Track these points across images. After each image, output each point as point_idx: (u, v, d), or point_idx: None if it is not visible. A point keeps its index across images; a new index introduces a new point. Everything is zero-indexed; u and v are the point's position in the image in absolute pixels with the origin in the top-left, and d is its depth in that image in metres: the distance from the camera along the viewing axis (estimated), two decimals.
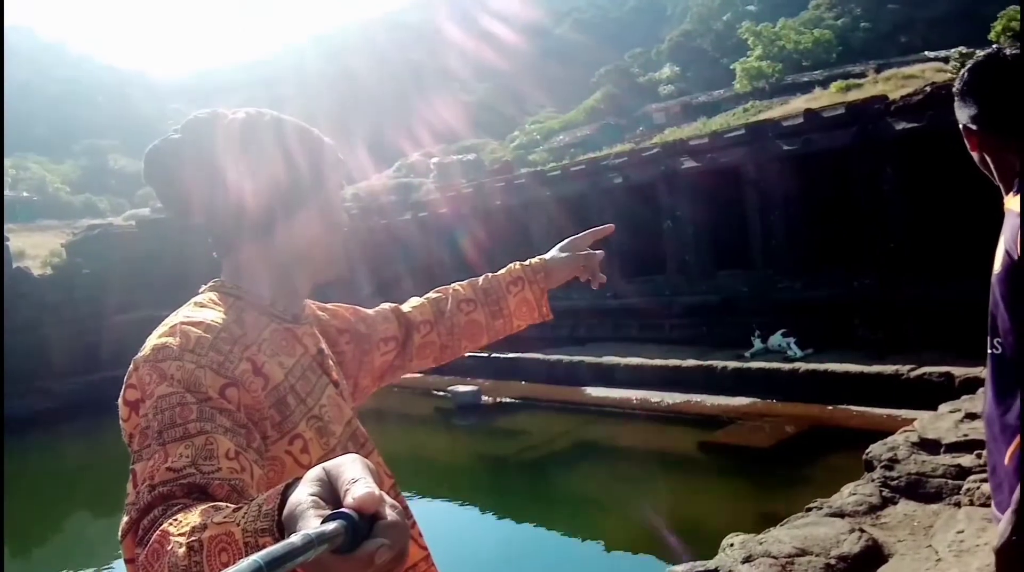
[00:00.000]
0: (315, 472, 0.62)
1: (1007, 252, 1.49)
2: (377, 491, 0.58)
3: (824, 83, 26.33)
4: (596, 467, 8.51)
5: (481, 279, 1.51)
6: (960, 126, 1.62)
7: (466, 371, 12.19)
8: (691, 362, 9.92)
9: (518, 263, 1.52)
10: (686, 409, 9.32)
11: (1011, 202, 1.53)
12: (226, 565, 0.66)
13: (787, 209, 10.47)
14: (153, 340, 0.97)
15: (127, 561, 0.84)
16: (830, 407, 8.20)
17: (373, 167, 48.47)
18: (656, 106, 44.34)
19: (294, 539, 0.53)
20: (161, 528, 0.76)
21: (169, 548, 0.72)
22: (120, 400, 0.94)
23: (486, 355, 12.12)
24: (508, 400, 11.08)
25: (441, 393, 11.63)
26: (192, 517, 0.74)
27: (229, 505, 0.74)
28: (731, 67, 38.52)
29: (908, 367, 8.05)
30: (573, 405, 10.28)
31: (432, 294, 1.49)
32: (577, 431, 9.54)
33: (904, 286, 9.10)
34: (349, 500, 0.57)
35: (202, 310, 1.03)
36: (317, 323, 1.23)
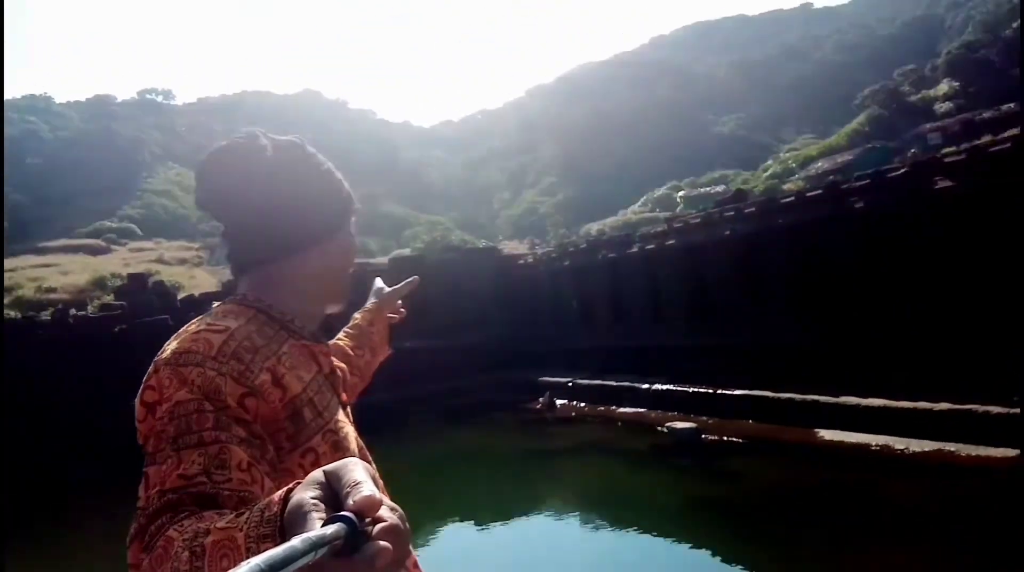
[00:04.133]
0: (316, 475, 0.63)
1: None
2: (378, 494, 0.59)
3: None
4: (823, 519, 7.62)
5: (347, 329, 1.64)
6: None
7: (690, 408, 11.69)
8: (944, 405, 8.65)
9: (361, 310, 1.70)
10: (937, 458, 8.14)
11: None
12: (227, 570, 0.67)
13: None
14: (174, 344, 0.98)
15: (131, 566, 0.85)
16: None
17: (621, 203, 48.94)
18: (931, 126, 40.31)
19: (295, 542, 0.53)
20: (166, 534, 0.78)
21: (173, 553, 0.74)
22: (137, 401, 0.95)
23: (711, 391, 11.53)
24: (731, 439, 10.39)
25: (661, 429, 11.21)
26: (197, 523, 0.76)
27: (234, 512, 0.75)
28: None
29: None
30: (803, 448, 9.39)
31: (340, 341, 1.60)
32: (803, 477, 8.66)
33: None
34: (350, 503, 0.58)
35: (224, 319, 1.04)
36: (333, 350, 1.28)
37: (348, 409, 1.21)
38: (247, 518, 0.68)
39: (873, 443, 8.90)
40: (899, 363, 9.86)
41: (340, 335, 1.61)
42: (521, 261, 20.49)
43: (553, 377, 15.81)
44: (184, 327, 1.03)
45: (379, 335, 1.66)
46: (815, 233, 11.62)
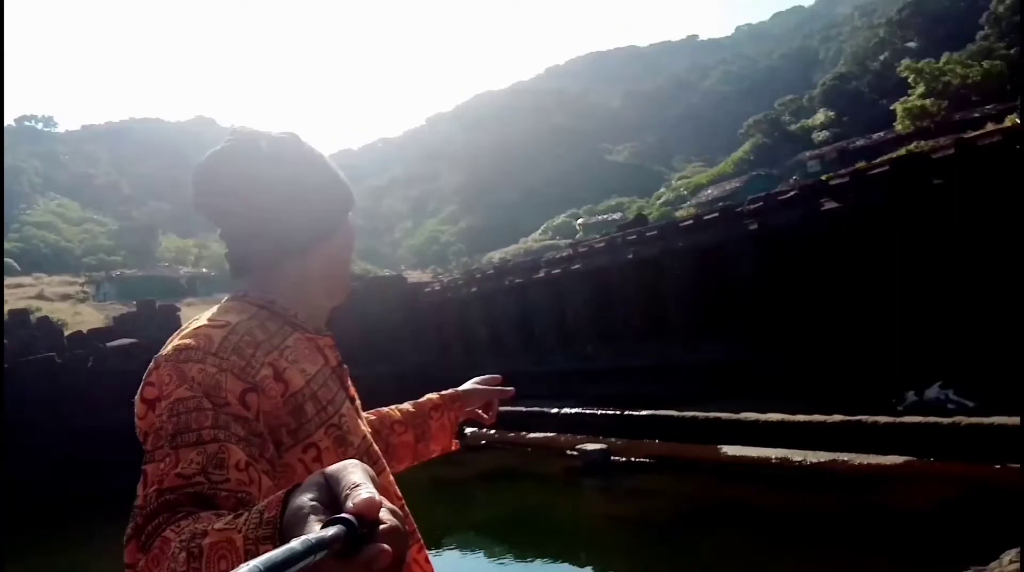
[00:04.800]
0: (315, 477, 0.63)
1: None
2: (377, 496, 0.59)
3: (998, 117, 24.49)
4: (730, 531, 7.88)
5: (406, 404, 1.57)
6: None
7: (598, 430, 11.87)
8: (836, 417, 9.12)
9: (435, 393, 1.61)
10: (832, 469, 8.55)
11: None
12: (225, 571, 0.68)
13: (941, 250, 9.54)
14: (176, 340, 0.98)
15: (127, 566, 0.84)
16: (998, 466, 7.24)
17: (522, 231, 49.54)
18: (810, 154, 42.79)
19: (294, 544, 0.53)
20: (163, 535, 0.77)
21: (170, 554, 0.74)
22: (138, 397, 0.94)
23: (619, 413, 11.76)
24: (640, 459, 10.61)
25: (571, 452, 11.34)
26: (194, 524, 0.75)
27: (232, 513, 0.74)
28: (891, 108, 36.64)
29: None
30: (708, 464, 9.68)
31: (367, 415, 1.48)
32: (711, 492, 8.94)
33: None
34: (349, 505, 0.58)
35: (226, 314, 1.04)
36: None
37: (358, 403, 1.21)
38: (246, 520, 0.68)
39: (773, 456, 9.26)
40: (798, 377, 10.34)
41: (394, 406, 1.55)
42: (428, 289, 20.42)
43: None
44: (187, 323, 1.03)
45: (439, 424, 1.56)
46: (713, 254, 12.12)
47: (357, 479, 0.60)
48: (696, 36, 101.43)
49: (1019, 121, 16.02)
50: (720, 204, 30.94)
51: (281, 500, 0.65)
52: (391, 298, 19.70)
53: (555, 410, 13.15)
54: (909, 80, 35.29)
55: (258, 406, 0.94)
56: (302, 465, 0.99)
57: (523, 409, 13.98)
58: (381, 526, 0.57)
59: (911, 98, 34.24)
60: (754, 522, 7.86)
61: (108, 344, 15.61)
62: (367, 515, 0.57)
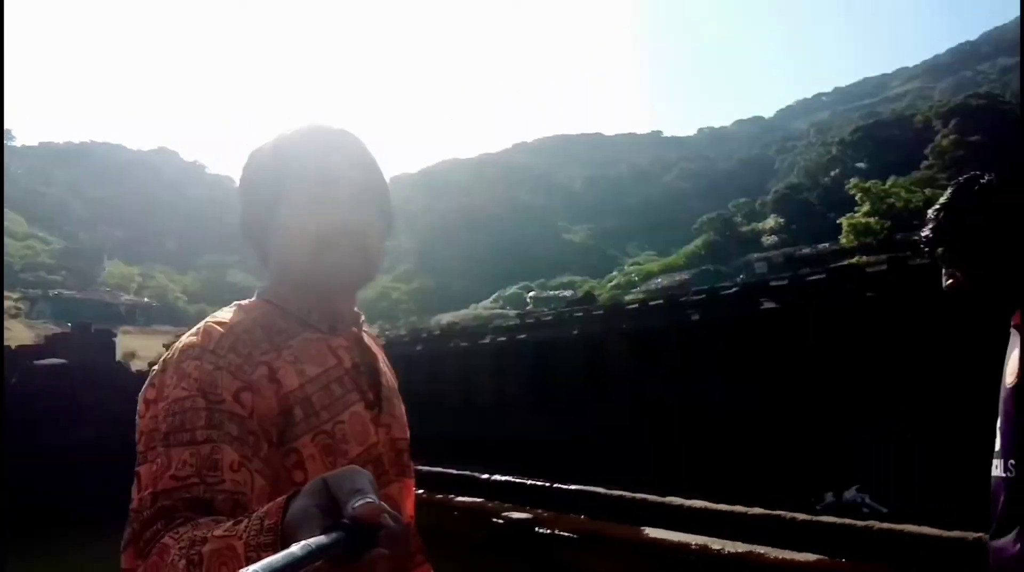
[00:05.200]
0: (315, 483, 0.63)
1: None
2: (377, 502, 0.58)
3: None
4: None
5: None
6: None
7: (527, 499, 11.89)
8: (756, 510, 9.34)
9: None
10: (748, 559, 8.73)
11: None
12: None
13: (862, 356, 10.02)
14: (183, 339, 0.99)
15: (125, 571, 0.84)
16: None
17: (473, 297, 49.80)
18: (758, 256, 44.14)
19: (294, 549, 0.53)
20: (162, 541, 0.77)
21: (169, 561, 0.74)
22: (140, 396, 0.96)
23: (548, 485, 11.81)
24: (564, 533, 10.64)
25: (497, 520, 11.31)
26: (193, 531, 0.75)
27: (230, 519, 0.74)
28: (837, 222, 38.17)
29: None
30: (630, 544, 9.77)
31: None
32: None
33: None
34: (349, 511, 0.58)
35: (231, 312, 1.05)
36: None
37: (385, 406, 1.13)
38: (246, 527, 0.68)
39: (693, 543, 9.39)
40: (725, 468, 10.59)
41: None
42: None
43: None
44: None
45: None
46: (654, 339, 12.46)
47: (357, 485, 0.60)
48: (660, 132, 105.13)
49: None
50: (668, 293, 31.72)
51: (282, 506, 0.65)
52: None
53: (486, 476, 13.12)
54: (856, 198, 36.96)
55: (253, 405, 0.94)
56: (284, 471, 0.97)
57: (455, 472, 13.90)
58: (381, 531, 0.57)
59: (857, 214, 35.83)
60: None
61: (36, 362, 15.16)
62: (367, 521, 0.57)
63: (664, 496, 10.43)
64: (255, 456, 0.91)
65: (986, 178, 1.64)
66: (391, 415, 1.14)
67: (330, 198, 1.07)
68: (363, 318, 1.20)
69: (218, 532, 0.70)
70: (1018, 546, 1.39)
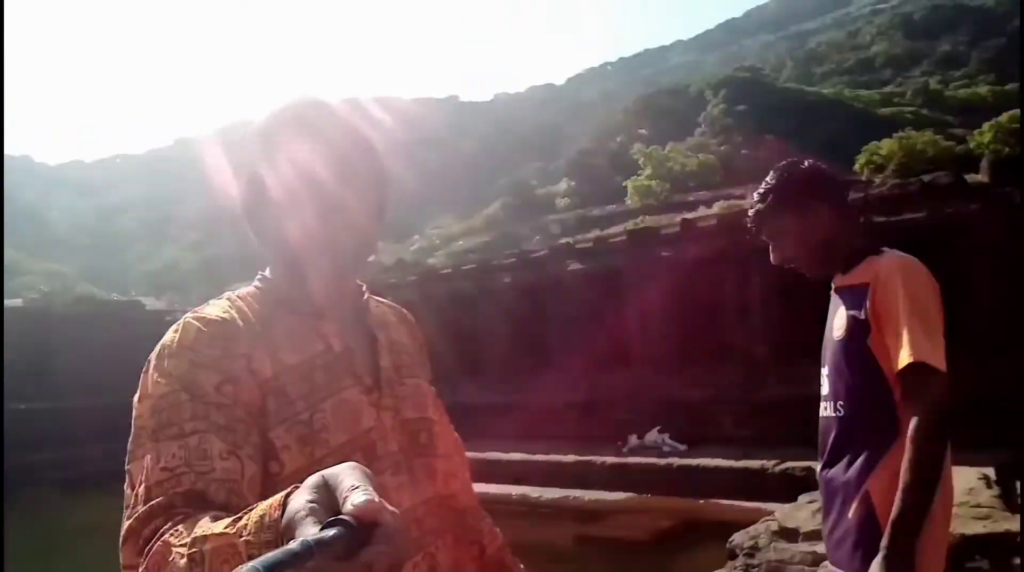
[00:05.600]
0: (314, 479, 0.62)
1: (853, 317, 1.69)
2: (376, 498, 0.58)
3: (709, 203, 27.98)
4: None
5: None
6: None
7: None
8: (571, 457, 10.03)
9: None
10: (564, 504, 9.37)
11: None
12: None
13: (663, 310, 10.98)
14: (164, 337, 0.97)
15: (124, 567, 0.83)
16: (702, 501, 8.42)
17: None
18: (552, 217, 45.82)
19: (293, 546, 0.53)
20: (162, 539, 0.76)
21: (170, 560, 0.73)
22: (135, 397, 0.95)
23: None
24: None
25: None
26: (193, 528, 0.74)
27: (228, 515, 0.73)
28: (624, 184, 40.44)
29: (773, 462, 8.42)
30: None
31: None
32: None
33: (769, 385, 9.60)
34: (348, 507, 0.57)
35: (216, 305, 1.02)
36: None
37: (387, 387, 1.08)
38: (246, 524, 0.68)
39: (513, 492, 9.94)
40: (541, 417, 11.21)
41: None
42: (169, 317, 19.10)
43: None
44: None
45: None
46: (467, 301, 12.82)
47: (356, 481, 0.59)
48: (457, 96, 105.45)
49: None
50: (470, 255, 32.33)
51: (281, 503, 0.65)
52: (126, 325, 18.21)
53: None
54: (640, 162, 39.42)
55: (236, 395, 0.93)
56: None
57: None
58: (380, 528, 0.57)
59: (640, 178, 38.21)
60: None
61: None
62: (366, 517, 0.56)
63: (485, 452, 10.89)
64: (245, 443, 0.90)
65: (792, 168, 1.92)
66: (396, 396, 1.09)
67: (318, 174, 1.03)
68: (367, 294, 1.17)
69: (218, 529, 0.70)
70: (848, 472, 1.69)
